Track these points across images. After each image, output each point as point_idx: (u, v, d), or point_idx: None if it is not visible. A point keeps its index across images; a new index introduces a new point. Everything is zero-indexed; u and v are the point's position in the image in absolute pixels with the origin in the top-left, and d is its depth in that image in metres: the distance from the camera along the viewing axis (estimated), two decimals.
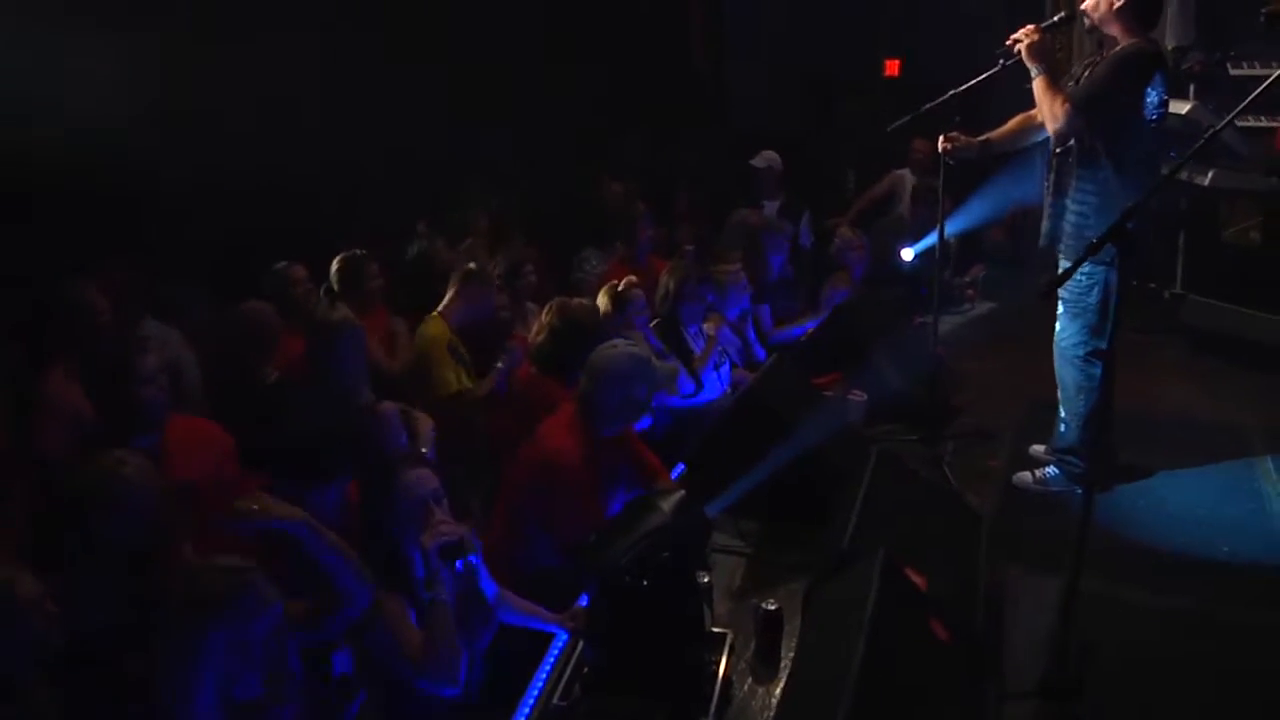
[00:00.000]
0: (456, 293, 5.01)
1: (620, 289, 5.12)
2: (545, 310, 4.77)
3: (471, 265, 5.14)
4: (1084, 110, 4.11)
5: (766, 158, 7.99)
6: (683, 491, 3.23)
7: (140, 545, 2.82)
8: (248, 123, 5.99)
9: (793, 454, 4.13)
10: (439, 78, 7.28)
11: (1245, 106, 2.42)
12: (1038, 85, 4.24)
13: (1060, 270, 4.43)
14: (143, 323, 4.45)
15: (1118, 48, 4.17)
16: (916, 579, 3.19)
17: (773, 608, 3.43)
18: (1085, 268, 4.26)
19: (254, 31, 6.06)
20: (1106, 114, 4.10)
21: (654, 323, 5.37)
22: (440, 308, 5.01)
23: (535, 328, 4.84)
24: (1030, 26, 4.30)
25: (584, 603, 3.53)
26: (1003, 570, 3.97)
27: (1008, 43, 4.33)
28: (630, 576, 2.93)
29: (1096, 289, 4.25)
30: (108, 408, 3.46)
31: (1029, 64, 4.28)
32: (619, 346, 4.07)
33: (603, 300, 5.11)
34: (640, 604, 2.96)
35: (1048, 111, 4.20)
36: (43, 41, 4.91)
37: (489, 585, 3.26)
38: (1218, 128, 2.50)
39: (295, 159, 6.10)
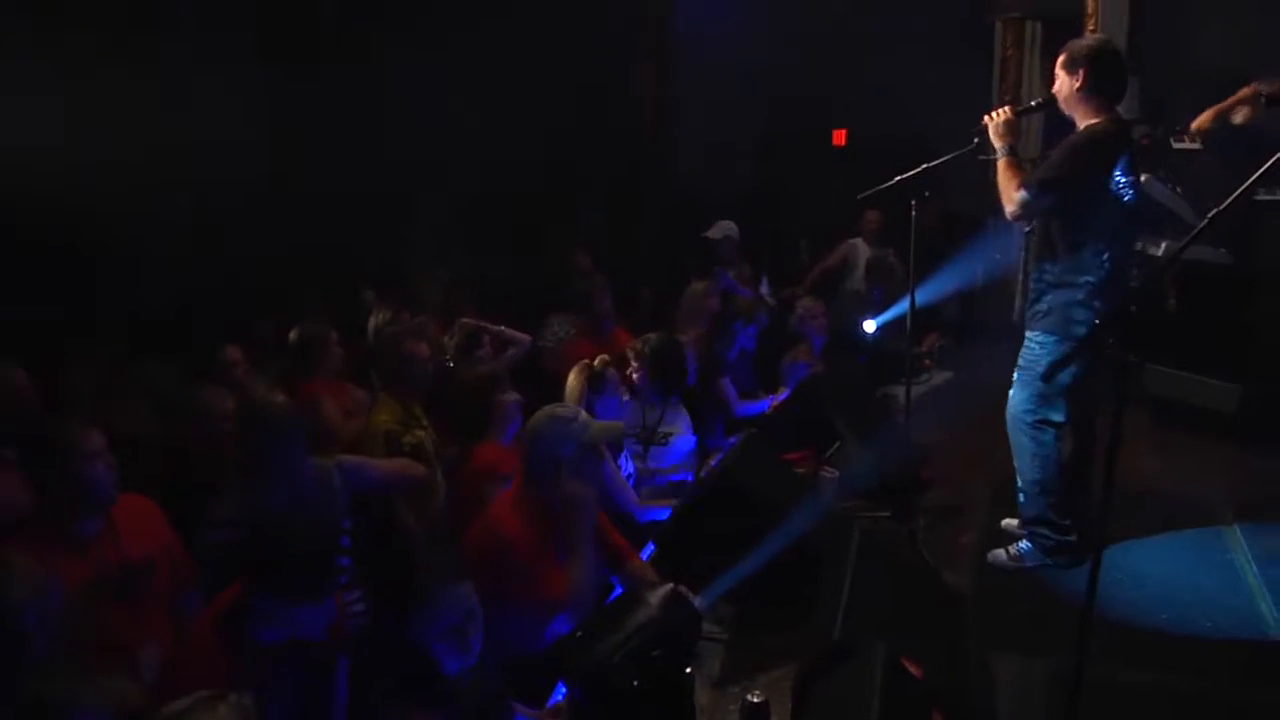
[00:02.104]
0: (390, 373, 4.83)
1: (596, 368, 4.99)
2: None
3: (387, 337, 4.95)
4: (1037, 194, 4.11)
5: (723, 228, 7.96)
6: (670, 584, 3.09)
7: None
8: (186, 187, 5.88)
9: (771, 534, 4.00)
10: (383, 142, 7.21)
11: (1257, 179, 2.38)
12: (1000, 166, 4.27)
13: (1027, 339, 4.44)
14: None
15: (1078, 129, 4.19)
16: (913, 669, 3.08)
17: (758, 699, 3.28)
18: (1038, 337, 4.31)
19: (195, 94, 5.96)
20: (1060, 197, 4.10)
21: None
22: (389, 388, 4.83)
23: None
24: (1007, 108, 4.32)
25: (560, 694, 3.38)
26: (987, 652, 3.88)
27: (984, 122, 4.34)
28: (621, 677, 2.77)
29: (1045, 359, 4.25)
30: (52, 488, 3.25)
31: (995, 143, 4.31)
32: (547, 409, 4.00)
33: (575, 380, 4.98)
34: (632, 705, 2.81)
35: (1005, 193, 4.21)
36: None
37: None
38: (1221, 207, 2.47)
39: (236, 225, 5.98)
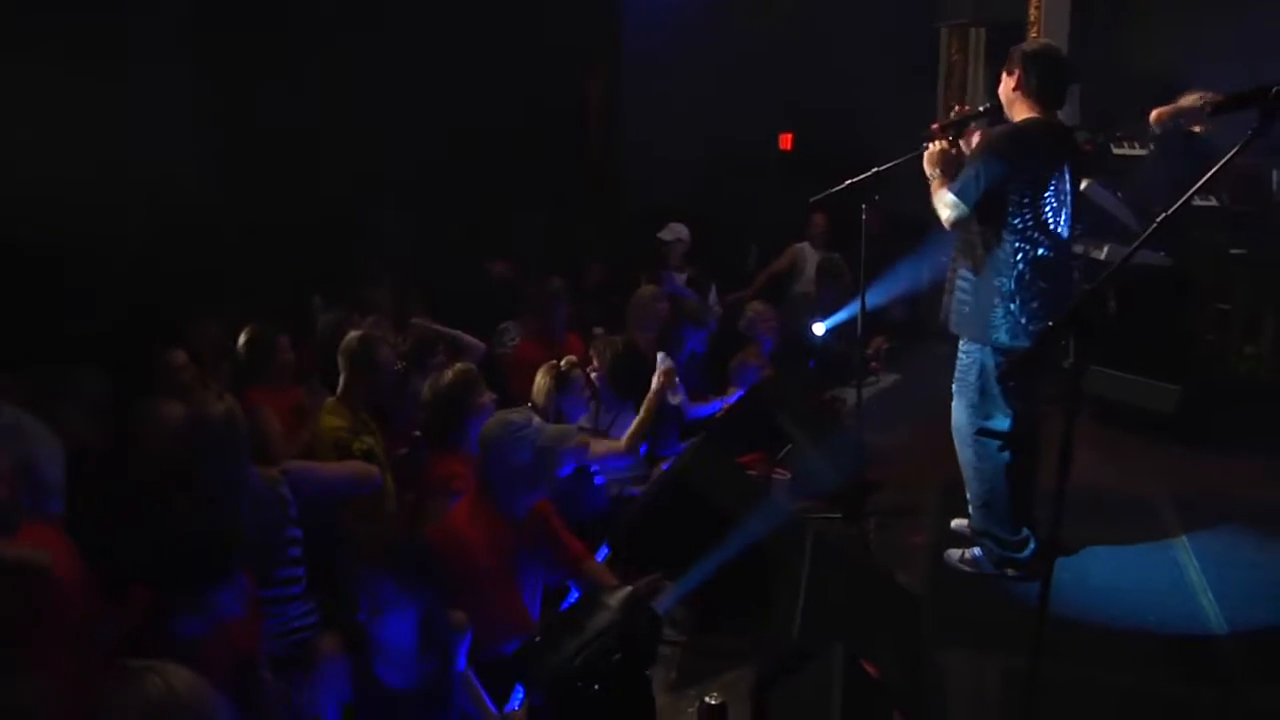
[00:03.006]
0: (349, 376, 4.73)
1: (563, 368, 4.98)
2: (427, 388, 4.63)
3: (351, 339, 4.82)
4: (960, 191, 4.15)
5: (674, 230, 7.94)
6: (629, 588, 3.08)
7: None
8: (128, 191, 5.77)
9: (725, 538, 4.01)
10: (331, 147, 7.13)
11: (1202, 185, 2.42)
12: (932, 188, 4.33)
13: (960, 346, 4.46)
14: None
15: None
16: (870, 669, 3.09)
17: (716, 701, 3.28)
18: (964, 346, 4.35)
19: (141, 96, 5.89)
20: (982, 190, 4.12)
21: None
22: (339, 392, 4.75)
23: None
24: (944, 142, 4.37)
25: (518, 696, 3.37)
26: (941, 652, 3.92)
27: (933, 127, 4.39)
28: (582, 681, 2.76)
29: (974, 368, 4.29)
30: None
31: (926, 169, 4.38)
32: (499, 415, 3.97)
33: (543, 380, 4.96)
34: (593, 709, 2.79)
35: (937, 204, 4.28)
36: None
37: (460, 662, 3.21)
38: (1169, 211, 2.51)
39: (176, 230, 5.91)
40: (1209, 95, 4.71)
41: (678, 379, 4.94)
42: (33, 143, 5.17)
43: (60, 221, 5.06)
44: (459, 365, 4.69)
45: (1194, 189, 2.49)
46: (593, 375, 5.40)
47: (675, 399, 4.96)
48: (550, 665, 2.84)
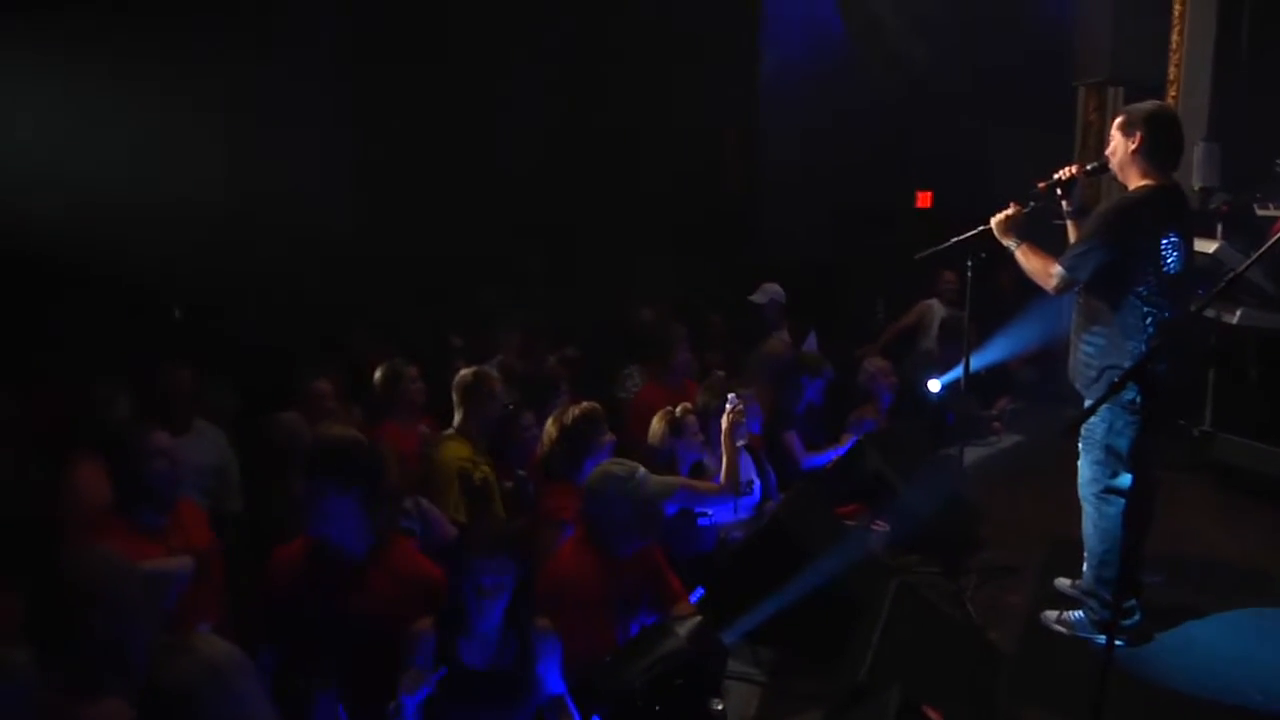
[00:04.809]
0: (464, 410, 4.98)
1: (677, 414, 5.13)
2: (551, 421, 4.80)
3: (465, 374, 5.09)
4: (1072, 267, 4.18)
5: (767, 291, 7.97)
6: (699, 617, 3.21)
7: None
8: (277, 228, 6.21)
9: (812, 583, 4.09)
10: (471, 189, 7.47)
11: (1265, 252, 2.44)
12: (1019, 256, 4.37)
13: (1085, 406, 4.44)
14: (193, 422, 4.69)
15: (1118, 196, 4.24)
16: (933, 716, 3.13)
17: None
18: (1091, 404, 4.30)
19: (284, 134, 6.34)
20: (1096, 267, 4.14)
21: None
22: (456, 425, 5.01)
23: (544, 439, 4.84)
24: (1053, 181, 4.43)
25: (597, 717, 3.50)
26: (1022, 711, 3.89)
27: (1039, 186, 4.44)
28: (643, 701, 2.90)
29: (1102, 426, 4.24)
30: (121, 484, 3.64)
31: (1002, 240, 4.43)
32: (603, 467, 4.07)
33: (659, 424, 5.13)
34: None
35: (1038, 276, 4.31)
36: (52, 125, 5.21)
37: (556, 684, 3.31)
38: (1238, 270, 2.53)
39: (321, 267, 6.29)
40: None
41: (745, 420, 4.99)
42: (179, 173, 5.63)
43: (203, 252, 5.53)
44: (585, 403, 4.87)
45: (1262, 250, 2.52)
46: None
47: (742, 440, 5.00)
48: (616, 683, 2.98)
